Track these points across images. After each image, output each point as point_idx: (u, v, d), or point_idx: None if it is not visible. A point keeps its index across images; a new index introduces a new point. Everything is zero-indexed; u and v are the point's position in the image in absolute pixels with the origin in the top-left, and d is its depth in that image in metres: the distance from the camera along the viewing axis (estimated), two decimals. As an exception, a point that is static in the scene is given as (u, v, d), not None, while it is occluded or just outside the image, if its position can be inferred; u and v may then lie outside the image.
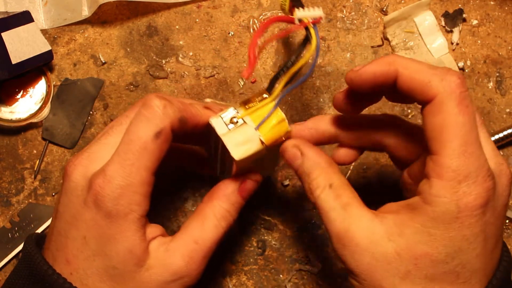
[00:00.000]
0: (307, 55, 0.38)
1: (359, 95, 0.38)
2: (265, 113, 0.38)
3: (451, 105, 0.31)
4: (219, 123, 0.37)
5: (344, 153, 0.41)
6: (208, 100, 0.40)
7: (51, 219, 0.48)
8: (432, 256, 0.31)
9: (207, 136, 0.40)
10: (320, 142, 0.40)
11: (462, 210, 0.30)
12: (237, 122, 0.38)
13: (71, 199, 0.35)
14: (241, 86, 0.37)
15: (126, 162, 0.34)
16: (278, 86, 0.38)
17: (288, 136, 0.39)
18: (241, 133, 0.37)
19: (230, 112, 0.38)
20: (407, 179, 0.39)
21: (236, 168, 0.38)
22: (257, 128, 0.38)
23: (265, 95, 0.39)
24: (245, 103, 0.39)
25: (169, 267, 0.36)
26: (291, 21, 0.39)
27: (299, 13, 0.39)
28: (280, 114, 0.38)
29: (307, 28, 0.38)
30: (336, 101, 0.39)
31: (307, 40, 0.39)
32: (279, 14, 0.50)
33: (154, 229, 0.37)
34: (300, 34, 0.50)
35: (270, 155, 0.40)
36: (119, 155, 0.34)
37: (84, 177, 0.35)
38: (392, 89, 0.34)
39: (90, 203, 0.34)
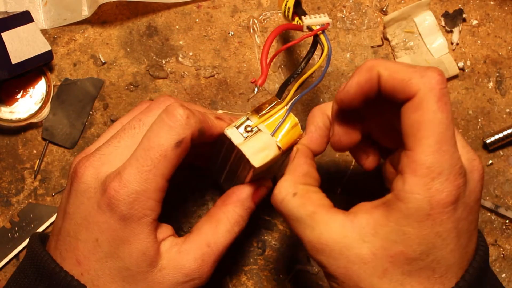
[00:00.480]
0: (320, 61, 0.38)
1: (350, 118, 0.37)
2: (278, 119, 0.39)
3: (431, 102, 0.31)
4: (235, 133, 0.38)
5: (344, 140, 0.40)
6: (220, 111, 0.40)
7: (54, 218, 0.48)
8: (407, 254, 0.32)
9: (212, 146, 0.41)
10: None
11: (434, 207, 0.31)
12: (251, 130, 0.38)
13: (82, 201, 0.36)
14: (255, 93, 0.38)
15: (144, 168, 0.35)
16: (290, 92, 0.39)
17: (300, 138, 0.40)
18: (258, 141, 0.38)
19: (243, 121, 0.39)
20: (388, 168, 0.39)
21: (251, 175, 0.39)
22: (273, 134, 0.38)
23: (275, 102, 0.40)
24: (257, 110, 0.39)
25: (181, 269, 0.36)
26: (300, 29, 0.40)
27: (307, 20, 0.40)
28: (293, 118, 0.39)
29: (316, 35, 0.39)
30: (337, 144, 0.38)
31: (315, 45, 0.40)
32: (279, 14, 0.50)
33: (164, 229, 0.38)
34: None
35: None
36: (137, 161, 0.35)
37: (96, 179, 0.36)
38: (378, 95, 0.34)
39: (103, 206, 0.34)
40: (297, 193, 0.36)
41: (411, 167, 0.31)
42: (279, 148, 0.38)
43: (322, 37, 0.39)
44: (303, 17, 0.40)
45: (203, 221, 0.40)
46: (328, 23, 0.40)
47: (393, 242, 0.32)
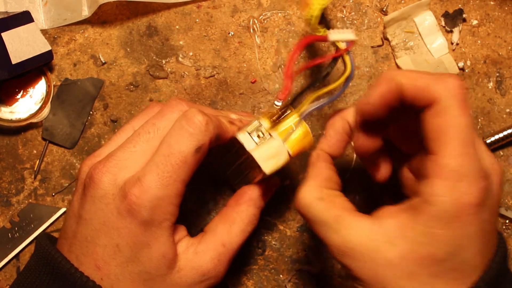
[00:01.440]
0: (340, 80, 0.38)
1: (372, 124, 0.37)
2: (290, 127, 0.39)
3: (453, 107, 0.32)
4: (247, 139, 0.39)
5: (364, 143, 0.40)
6: (233, 116, 0.41)
7: (54, 218, 0.48)
8: (436, 256, 0.32)
9: (221, 146, 0.41)
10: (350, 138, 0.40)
11: (462, 209, 0.31)
12: (263, 136, 0.39)
13: (100, 207, 0.36)
14: (277, 107, 0.38)
15: (165, 174, 0.35)
16: (305, 102, 0.39)
17: (311, 146, 0.40)
18: (269, 147, 0.39)
19: (255, 126, 0.39)
20: (406, 173, 0.39)
21: (260, 178, 0.40)
22: (285, 141, 0.39)
23: (289, 111, 0.40)
24: (269, 116, 0.40)
25: (198, 269, 0.37)
26: (324, 40, 0.39)
27: (332, 36, 0.39)
28: (306, 127, 0.40)
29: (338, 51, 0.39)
30: (360, 149, 0.38)
31: (335, 60, 0.39)
32: (279, 14, 0.50)
33: (179, 230, 0.39)
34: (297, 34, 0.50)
35: None
36: (158, 166, 0.35)
37: (114, 185, 0.36)
38: (400, 104, 0.34)
39: (123, 211, 0.35)
40: (322, 198, 0.36)
41: (436, 171, 0.32)
42: (290, 155, 0.39)
43: (346, 57, 0.39)
44: (328, 31, 0.40)
45: (217, 221, 0.40)
46: (353, 41, 0.39)
47: (421, 244, 0.32)
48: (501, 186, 0.34)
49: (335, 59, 0.40)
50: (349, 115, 0.39)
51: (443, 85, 0.32)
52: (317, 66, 0.50)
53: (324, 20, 0.41)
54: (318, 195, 0.37)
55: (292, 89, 0.38)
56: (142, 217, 0.35)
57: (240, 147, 0.39)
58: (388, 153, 0.41)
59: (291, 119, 0.39)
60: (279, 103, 0.39)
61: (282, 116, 0.40)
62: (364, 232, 0.34)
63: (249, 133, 0.39)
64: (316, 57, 0.50)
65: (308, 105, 0.39)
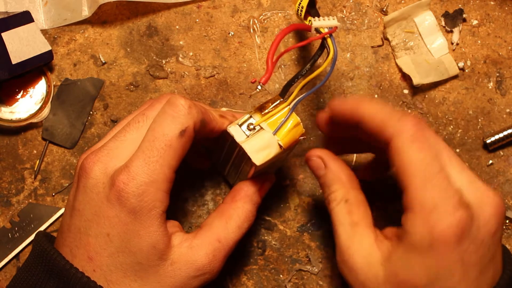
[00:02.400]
0: (325, 64, 0.39)
1: (339, 124, 0.40)
2: (281, 117, 0.39)
3: (407, 144, 0.33)
4: (237, 131, 0.39)
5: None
6: (224, 109, 0.41)
7: (54, 218, 0.48)
8: (414, 282, 0.33)
9: (215, 141, 0.41)
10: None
11: (436, 239, 0.32)
12: (254, 128, 0.39)
13: (91, 197, 0.36)
14: (258, 90, 0.38)
15: (151, 159, 0.35)
16: (294, 92, 0.39)
17: (302, 137, 0.40)
18: (260, 139, 0.39)
19: (246, 119, 0.39)
20: None
21: (253, 172, 0.40)
22: (275, 132, 0.38)
23: (278, 101, 0.40)
24: (260, 109, 0.40)
25: (193, 264, 0.37)
26: (308, 29, 0.40)
27: (315, 23, 0.40)
28: (296, 118, 0.40)
29: (324, 38, 0.39)
30: (319, 120, 0.41)
31: (322, 48, 0.40)
32: (279, 14, 0.50)
33: (172, 224, 0.39)
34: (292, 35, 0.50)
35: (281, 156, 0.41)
36: (144, 152, 0.35)
37: (105, 174, 0.36)
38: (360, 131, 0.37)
39: (113, 200, 0.35)
40: (348, 200, 0.38)
41: (408, 205, 0.33)
42: (281, 146, 0.39)
43: (329, 40, 0.40)
44: (311, 18, 0.41)
45: (213, 217, 0.40)
46: (336, 27, 0.40)
47: (401, 268, 0.34)
48: (496, 217, 0.34)
49: (321, 47, 0.40)
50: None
51: (398, 122, 0.34)
52: (305, 56, 0.50)
53: (314, 10, 0.41)
54: (347, 196, 0.38)
55: (272, 72, 0.39)
56: (131, 205, 0.34)
57: (232, 141, 0.39)
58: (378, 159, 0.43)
59: (281, 109, 0.40)
60: (260, 87, 0.39)
61: (272, 106, 0.40)
62: (367, 245, 0.36)
63: (239, 126, 0.39)
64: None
65: (296, 94, 0.39)
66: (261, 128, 0.39)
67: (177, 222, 0.40)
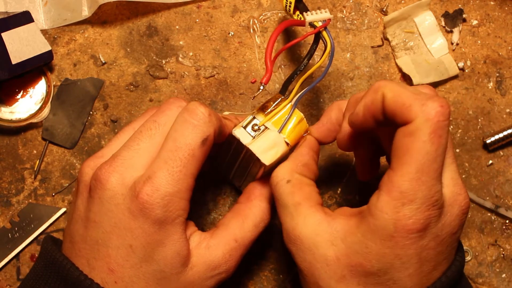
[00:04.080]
0: (323, 57, 0.39)
1: (360, 133, 0.38)
2: (284, 115, 0.39)
3: (424, 132, 0.31)
4: (243, 133, 0.39)
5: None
6: (226, 113, 0.41)
7: (54, 218, 0.48)
8: (365, 267, 0.33)
9: (219, 145, 0.41)
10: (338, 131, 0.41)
11: (398, 231, 0.31)
12: (259, 128, 0.39)
13: (109, 208, 0.35)
14: (261, 91, 0.38)
15: (174, 169, 0.35)
16: (294, 88, 0.39)
17: (307, 133, 0.40)
18: (266, 139, 0.39)
19: (250, 120, 0.39)
20: None
21: (262, 172, 0.40)
22: (280, 130, 0.38)
23: (280, 99, 0.40)
24: (262, 109, 0.40)
25: (210, 264, 0.37)
26: (302, 24, 0.40)
27: (308, 17, 0.40)
28: (299, 114, 0.40)
29: (318, 32, 0.39)
30: (342, 141, 0.39)
31: (317, 41, 0.40)
32: (279, 14, 0.50)
33: (189, 225, 0.38)
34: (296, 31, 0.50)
35: None
36: (167, 163, 0.35)
37: (122, 185, 0.35)
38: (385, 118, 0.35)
39: (135, 211, 0.34)
40: (290, 181, 0.37)
41: (387, 187, 0.32)
42: (287, 144, 0.39)
43: (324, 33, 0.40)
44: (304, 13, 0.41)
45: (229, 217, 0.40)
46: (329, 19, 0.40)
47: (355, 252, 0.33)
48: (460, 218, 0.34)
49: (316, 41, 0.40)
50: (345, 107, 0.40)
51: (424, 107, 0.32)
52: (301, 52, 0.50)
53: (301, 5, 0.41)
54: (288, 177, 0.37)
55: (272, 72, 0.38)
56: (156, 216, 0.34)
57: (238, 144, 0.39)
58: (377, 156, 0.42)
59: (283, 107, 0.40)
60: (262, 87, 0.39)
61: (274, 105, 0.40)
62: (313, 225, 0.35)
63: (244, 128, 0.39)
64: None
65: (297, 90, 0.39)
66: (266, 127, 0.39)
67: (191, 221, 0.39)
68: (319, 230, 0.35)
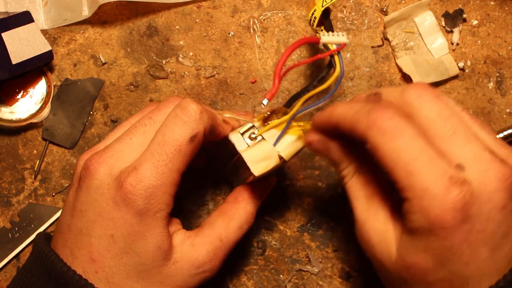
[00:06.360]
0: (330, 81, 0.38)
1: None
2: (282, 128, 0.39)
3: (376, 139, 0.32)
4: (238, 139, 0.39)
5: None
6: (227, 115, 0.41)
7: (54, 218, 0.49)
8: (421, 265, 0.32)
9: (217, 145, 0.41)
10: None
11: (433, 223, 0.31)
12: (255, 138, 0.39)
13: (95, 197, 0.36)
14: (264, 106, 0.38)
15: (160, 163, 0.35)
16: (296, 105, 0.39)
17: (303, 148, 0.40)
18: (260, 150, 0.39)
19: (248, 128, 0.39)
20: None
21: (252, 179, 0.40)
22: (275, 144, 0.38)
23: (282, 112, 0.40)
24: (265, 120, 0.39)
25: (194, 261, 0.37)
26: (317, 42, 0.39)
27: (324, 38, 0.39)
28: (298, 131, 0.40)
29: (331, 55, 0.39)
30: (314, 144, 0.40)
31: (331, 65, 0.39)
32: (279, 14, 0.50)
33: (174, 223, 0.39)
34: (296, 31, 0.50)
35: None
36: (153, 155, 0.35)
37: (109, 175, 0.36)
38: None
39: (119, 201, 0.35)
40: (361, 174, 0.37)
41: (401, 194, 0.32)
42: (281, 158, 0.39)
43: (336, 58, 0.39)
44: (321, 32, 0.40)
45: (215, 216, 0.41)
46: (344, 44, 0.39)
47: (407, 253, 0.33)
48: (500, 192, 0.31)
49: (330, 65, 0.40)
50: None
51: (366, 118, 0.32)
52: (314, 71, 0.50)
53: (327, 22, 0.41)
54: (355, 170, 0.38)
55: (279, 88, 0.38)
56: (138, 207, 0.34)
57: (233, 146, 0.39)
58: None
59: (283, 121, 0.39)
60: (266, 102, 0.38)
61: (275, 117, 0.40)
62: (381, 222, 0.35)
63: (241, 134, 0.39)
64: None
65: (298, 107, 0.39)
66: (263, 138, 0.39)
67: (178, 219, 0.40)
68: (387, 228, 0.35)
